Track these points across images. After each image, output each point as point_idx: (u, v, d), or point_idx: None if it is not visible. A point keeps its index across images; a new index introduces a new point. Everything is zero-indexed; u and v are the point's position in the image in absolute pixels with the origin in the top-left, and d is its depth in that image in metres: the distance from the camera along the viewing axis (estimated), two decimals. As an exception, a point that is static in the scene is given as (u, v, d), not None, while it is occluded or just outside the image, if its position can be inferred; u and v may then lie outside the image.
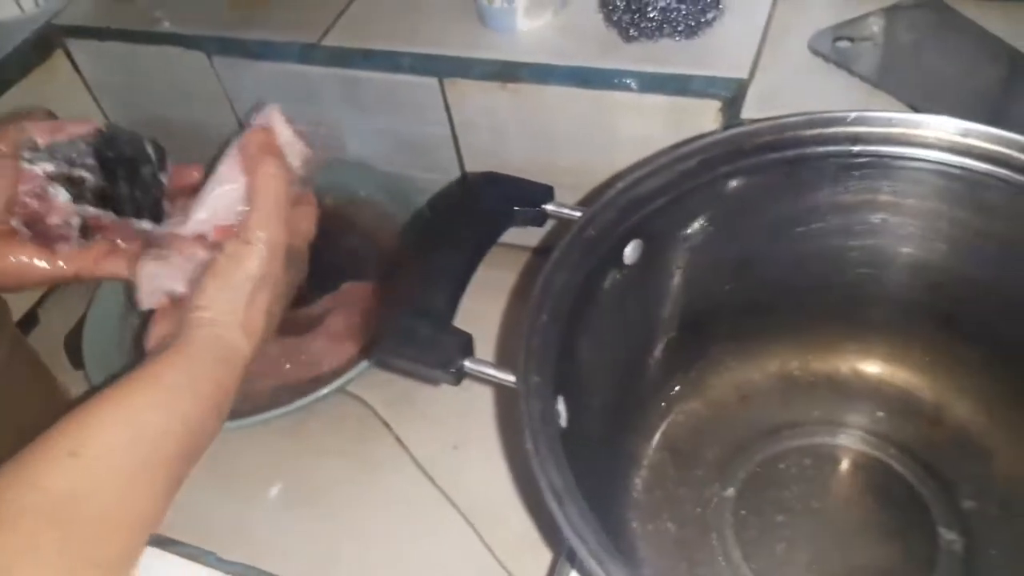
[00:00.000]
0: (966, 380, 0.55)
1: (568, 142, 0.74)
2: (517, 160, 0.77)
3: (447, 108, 0.76)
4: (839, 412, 0.58)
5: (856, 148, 0.50)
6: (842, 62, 0.65)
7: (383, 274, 0.61)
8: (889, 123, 0.50)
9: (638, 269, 0.51)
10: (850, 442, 0.56)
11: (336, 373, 0.69)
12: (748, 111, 0.63)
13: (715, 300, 0.57)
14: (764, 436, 0.57)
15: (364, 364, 0.68)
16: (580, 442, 0.48)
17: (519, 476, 0.66)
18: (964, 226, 0.51)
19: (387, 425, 0.71)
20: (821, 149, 0.50)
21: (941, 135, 0.48)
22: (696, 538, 0.54)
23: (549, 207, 0.51)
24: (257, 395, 0.71)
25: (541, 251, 0.82)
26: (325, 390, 0.67)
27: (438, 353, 0.45)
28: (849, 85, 0.63)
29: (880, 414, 0.57)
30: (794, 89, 0.64)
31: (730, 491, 0.55)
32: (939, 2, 0.68)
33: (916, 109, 0.59)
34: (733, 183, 0.50)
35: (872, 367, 0.58)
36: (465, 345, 0.45)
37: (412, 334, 0.45)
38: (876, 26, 0.68)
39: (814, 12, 0.69)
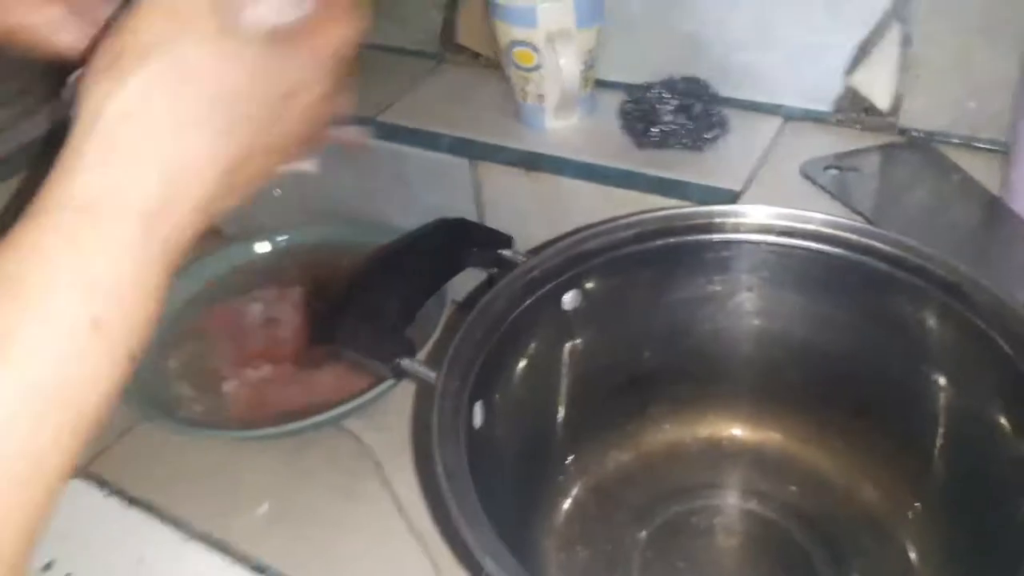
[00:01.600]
0: (877, 466, 0.60)
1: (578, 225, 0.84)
2: (533, 238, 0.87)
3: (476, 186, 0.87)
4: (757, 481, 0.63)
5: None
6: (829, 188, 0.73)
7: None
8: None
9: (576, 316, 0.59)
10: (760, 508, 0.62)
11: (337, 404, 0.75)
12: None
13: (647, 364, 0.64)
14: (685, 492, 0.63)
15: (362, 399, 0.74)
16: (505, 448, 0.56)
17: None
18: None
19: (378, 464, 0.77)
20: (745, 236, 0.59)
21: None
22: (603, 570, 0.60)
23: (505, 252, 0.60)
24: (264, 417, 0.78)
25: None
26: (320, 417, 0.72)
27: (383, 352, 0.54)
28: (831, 208, 0.70)
29: (793, 488, 0.62)
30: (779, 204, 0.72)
31: (643, 534, 0.61)
32: (927, 146, 0.76)
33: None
34: (659, 254, 0.59)
35: (793, 446, 0.64)
36: (408, 348, 0.54)
37: (367, 334, 0.54)
38: (867, 160, 0.76)
39: (814, 142, 0.77)
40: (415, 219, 0.70)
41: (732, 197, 0.73)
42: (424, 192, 0.91)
